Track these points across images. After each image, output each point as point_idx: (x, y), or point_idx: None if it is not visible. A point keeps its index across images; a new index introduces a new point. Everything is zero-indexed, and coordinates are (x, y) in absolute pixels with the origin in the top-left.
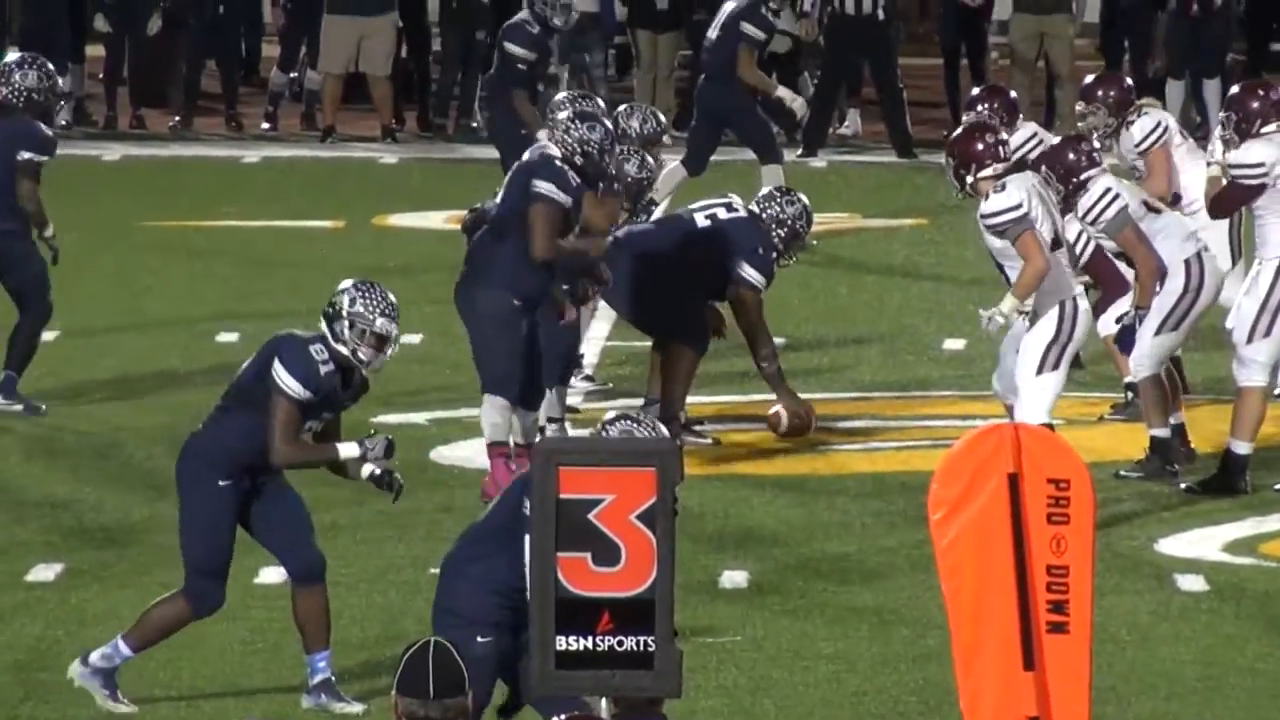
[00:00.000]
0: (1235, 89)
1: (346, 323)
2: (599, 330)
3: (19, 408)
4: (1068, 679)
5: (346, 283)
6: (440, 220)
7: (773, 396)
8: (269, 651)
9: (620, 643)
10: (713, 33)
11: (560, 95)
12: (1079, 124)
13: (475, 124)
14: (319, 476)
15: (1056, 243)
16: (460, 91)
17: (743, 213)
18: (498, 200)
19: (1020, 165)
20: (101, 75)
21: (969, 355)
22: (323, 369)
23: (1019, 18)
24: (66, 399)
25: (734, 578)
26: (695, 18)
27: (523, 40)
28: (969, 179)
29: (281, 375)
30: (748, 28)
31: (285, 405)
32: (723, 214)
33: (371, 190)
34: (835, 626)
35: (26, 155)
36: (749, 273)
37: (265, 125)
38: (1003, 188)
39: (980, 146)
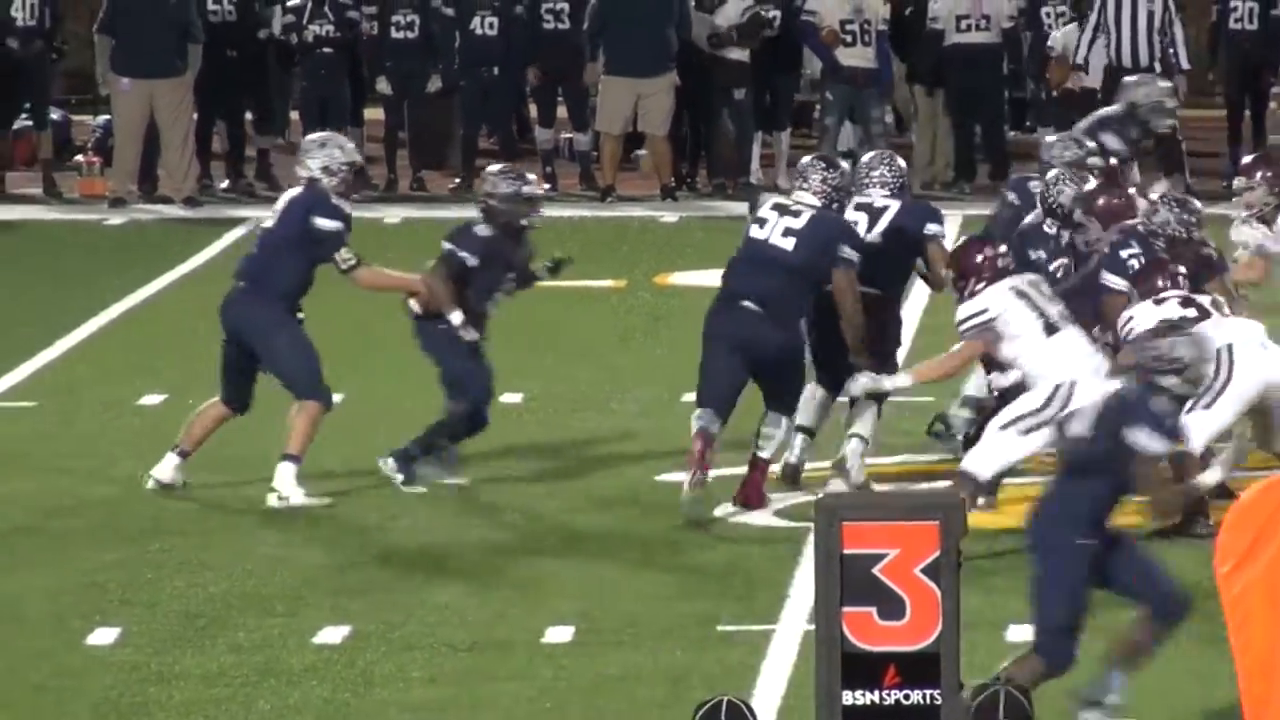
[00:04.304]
0: None
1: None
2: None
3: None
4: None
5: None
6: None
7: None
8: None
9: (906, 696)
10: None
11: (871, 155)
12: (1236, 199)
13: (755, 180)
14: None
15: (1051, 329)
16: (737, 149)
17: None
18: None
19: (1002, 274)
20: (381, 137)
21: (1260, 408)
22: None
23: None
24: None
25: (1022, 631)
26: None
27: None
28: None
29: (1140, 439)
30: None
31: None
32: None
33: (652, 249)
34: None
35: (320, 222)
36: None
37: (545, 186)
38: (972, 295)
39: (978, 259)
